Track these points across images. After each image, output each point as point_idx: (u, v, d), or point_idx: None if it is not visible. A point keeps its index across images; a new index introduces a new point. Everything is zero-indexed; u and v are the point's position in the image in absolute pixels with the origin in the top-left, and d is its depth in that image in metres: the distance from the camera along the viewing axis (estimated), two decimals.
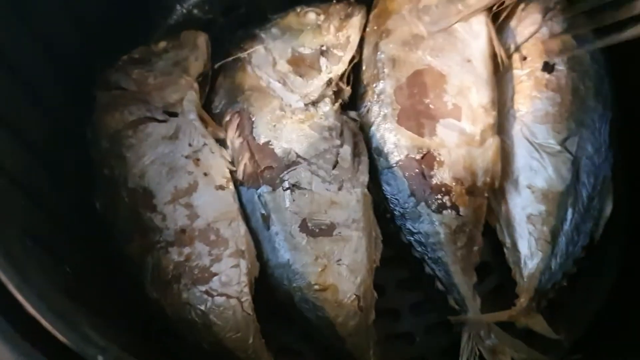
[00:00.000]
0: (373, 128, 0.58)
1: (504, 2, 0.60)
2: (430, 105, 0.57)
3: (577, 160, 0.57)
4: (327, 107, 0.57)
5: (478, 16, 0.59)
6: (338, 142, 0.56)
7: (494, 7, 0.60)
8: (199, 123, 0.56)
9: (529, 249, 0.56)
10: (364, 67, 0.61)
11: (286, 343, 0.58)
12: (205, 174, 0.54)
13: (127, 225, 0.54)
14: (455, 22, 0.59)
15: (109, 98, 0.57)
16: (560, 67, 0.59)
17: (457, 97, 0.57)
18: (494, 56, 0.60)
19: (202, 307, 0.51)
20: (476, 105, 0.57)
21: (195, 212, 0.53)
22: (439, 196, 0.56)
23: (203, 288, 0.51)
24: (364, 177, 0.56)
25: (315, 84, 0.58)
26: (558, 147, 0.57)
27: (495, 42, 0.59)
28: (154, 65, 0.58)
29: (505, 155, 0.59)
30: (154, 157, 0.55)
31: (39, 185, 0.52)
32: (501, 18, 0.61)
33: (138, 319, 0.54)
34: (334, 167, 0.55)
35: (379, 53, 0.60)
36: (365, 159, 0.57)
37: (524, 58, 0.61)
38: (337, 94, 0.59)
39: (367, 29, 0.62)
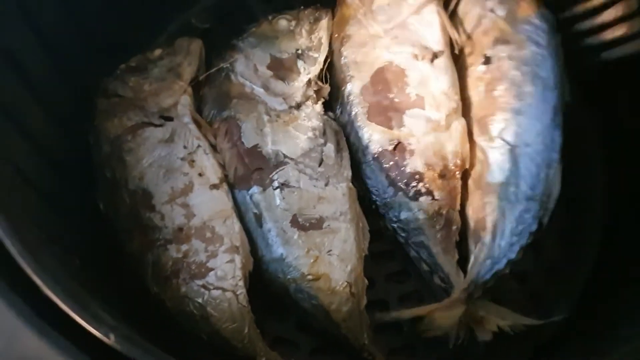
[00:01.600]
0: (348, 127, 0.62)
1: None
2: (395, 99, 0.60)
3: (515, 150, 0.58)
4: (309, 109, 0.60)
5: (429, 6, 0.62)
6: (322, 140, 0.59)
7: None
8: (193, 126, 0.59)
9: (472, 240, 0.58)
10: (333, 72, 0.64)
11: (282, 334, 0.61)
12: (200, 175, 0.57)
13: (128, 225, 0.57)
14: (408, 16, 0.62)
15: (108, 105, 0.60)
16: (499, 56, 0.60)
17: (419, 88, 0.60)
18: (449, 42, 0.62)
19: (200, 300, 0.54)
20: (438, 92, 0.60)
21: (192, 211, 0.56)
22: (414, 183, 0.58)
23: (200, 282, 0.54)
24: (348, 172, 0.59)
25: (296, 86, 0.61)
26: (497, 139, 0.59)
27: (448, 27, 0.62)
28: (149, 72, 0.61)
29: None
30: (152, 160, 0.57)
31: (49, 184, 0.55)
32: (452, 4, 0.64)
33: (140, 310, 0.56)
34: (320, 164, 0.58)
35: (342, 58, 0.63)
36: (347, 155, 0.60)
37: (468, 53, 0.63)
38: (318, 92, 0.62)
39: (331, 36, 0.65)
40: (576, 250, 0.64)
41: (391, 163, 0.59)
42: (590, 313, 0.59)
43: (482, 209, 0.58)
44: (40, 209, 0.52)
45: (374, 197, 0.60)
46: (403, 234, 0.59)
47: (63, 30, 0.59)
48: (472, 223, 0.58)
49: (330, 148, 0.59)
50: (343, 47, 0.63)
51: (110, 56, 0.63)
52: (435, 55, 0.61)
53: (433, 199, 0.58)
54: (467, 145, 0.60)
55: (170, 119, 0.59)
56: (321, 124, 0.60)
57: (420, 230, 0.58)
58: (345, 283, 0.55)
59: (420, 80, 0.60)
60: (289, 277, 0.56)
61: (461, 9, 0.64)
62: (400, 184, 0.59)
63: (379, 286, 0.63)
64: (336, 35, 0.64)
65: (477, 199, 0.59)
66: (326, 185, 0.57)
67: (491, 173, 0.58)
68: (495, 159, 0.58)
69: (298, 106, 0.60)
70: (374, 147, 0.60)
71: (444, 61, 0.61)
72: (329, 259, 0.56)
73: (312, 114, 0.60)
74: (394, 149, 0.59)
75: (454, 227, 0.59)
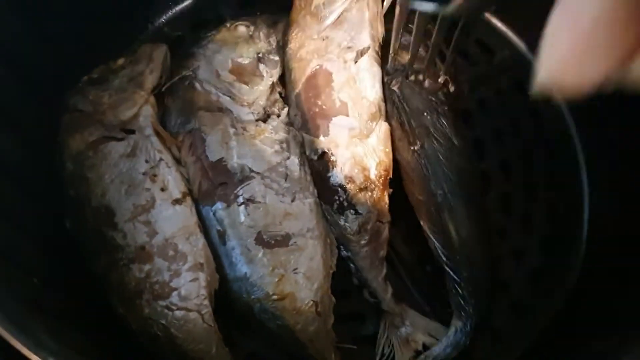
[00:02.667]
0: None
1: None
2: (323, 106, 0.58)
3: None
4: (275, 122, 0.58)
5: (360, 1, 0.59)
6: (287, 154, 0.57)
7: None
8: (155, 138, 0.57)
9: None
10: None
11: (254, 350, 0.60)
12: (162, 189, 0.55)
13: (93, 244, 0.56)
14: (340, 13, 0.59)
15: (70, 121, 0.58)
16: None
17: (342, 93, 0.57)
18: (379, 43, 0.60)
19: (164, 322, 0.52)
20: (359, 97, 0.57)
21: (154, 228, 0.54)
22: (336, 197, 0.56)
23: (163, 303, 0.53)
24: (314, 187, 0.57)
25: (261, 90, 0.59)
26: None
27: (379, 22, 0.59)
28: (109, 83, 0.59)
29: None
30: (114, 176, 0.56)
31: (10, 200, 0.53)
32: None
33: (109, 332, 0.55)
34: (286, 179, 0.56)
35: (284, 65, 0.61)
36: None
37: None
38: (284, 99, 0.61)
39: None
40: (559, 261, 0.62)
41: (317, 174, 0.57)
42: (570, 326, 0.57)
43: None
44: None
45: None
46: (338, 245, 0.58)
47: (28, 42, 0.57)
48: None
49: (293, 161, 0.56)
50: (284, 53, 0.61)
51: (80, 67, 0.61)
52: (361, 53, 0.58)
53: (357, 213, 0.56)
54: (390, 154, 0.57)
55: (132, 131, 0.57)
56: (286, 136, 0.58)
57: (347, 244, 0.57)
58: (312, 302, 0.54)
59: (344, 84, 0.57)
60: (253, 297, 0.54)
61: None
62: (325, 196, 0.57)
63: (354, 299, 0.61)
64: (280, 42, 0.63)
65: None
66: (293, 200, 0.55)
67: None
68: None
69: (265, 118, 0.58)
70: (305, 156, 0.58)
71: (367, 59, 0.58)
72: (294, 277, 0.54)
73: (278, 127, 0.58)
74: (319, 159, 0.57)
75: (382, 241, 0.57)
